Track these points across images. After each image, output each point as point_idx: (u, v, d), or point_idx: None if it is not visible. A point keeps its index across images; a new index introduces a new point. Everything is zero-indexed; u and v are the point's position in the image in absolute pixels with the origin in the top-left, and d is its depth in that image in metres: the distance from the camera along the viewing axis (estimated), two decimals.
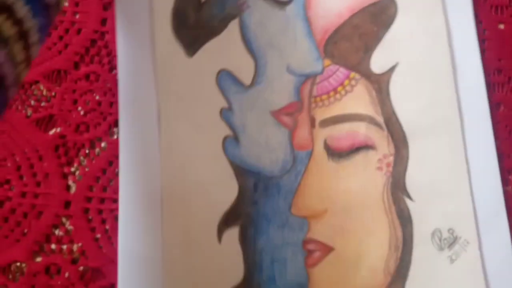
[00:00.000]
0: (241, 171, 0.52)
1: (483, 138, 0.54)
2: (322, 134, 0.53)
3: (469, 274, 0.51)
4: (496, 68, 0.57)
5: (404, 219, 0.51)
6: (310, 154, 0.52)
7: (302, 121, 0.53)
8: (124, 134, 0.53)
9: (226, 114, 0.53)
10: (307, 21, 0.55)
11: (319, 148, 0.52)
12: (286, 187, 0.52)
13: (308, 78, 0.54)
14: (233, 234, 0.51)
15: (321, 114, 0.53)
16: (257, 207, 0.52)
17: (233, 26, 0.55)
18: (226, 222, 0.51)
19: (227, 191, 0.52)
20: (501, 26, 0.58)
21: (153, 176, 0.52)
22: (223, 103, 0.53)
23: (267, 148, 0.52)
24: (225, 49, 0.54)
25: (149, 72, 0.54)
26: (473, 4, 0.57)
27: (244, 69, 0.54)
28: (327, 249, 0.50)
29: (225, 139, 0.53)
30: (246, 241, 0.51)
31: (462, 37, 0.55)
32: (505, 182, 0.54)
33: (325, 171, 0.52)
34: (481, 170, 0.53)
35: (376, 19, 0.55)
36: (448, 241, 0.51)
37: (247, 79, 0.54)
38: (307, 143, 0.52)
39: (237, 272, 0.49)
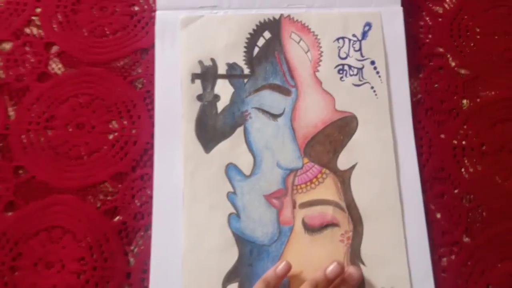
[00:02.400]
0: (241, 240, 0.65)
1: (417, 221, 0.67)
2: (301, 214, 0.66)
3: None
4: (419, 150, 0.71)
5: None
6: (291, 229, 0.66)
7: (286, 203, 0.67)
8: (158, 208, 0.67)
9: (231, 196, 0.67)
10: (293, 129, 0.69)
11: (299, 224, 0.66)
12: (273, 253, 0.65)
13: (292, 171, 0.68)
14: None
15: (300, 199, 0.67)
16: (252, 268, 0.64)
17: (239, 132, 0.69)
18: (228, 279, 0.64)
19: (230, 255, 0.65)
20: (442, 136, 0.73)
21: (179, 239, 0.65)
22: (230, 188, 0.67)
23: (260, 223, 0.66)
24: (232, 148, 0.69)
25: (179, 165, 0.68)
26: (413, 120, 0.71)
27: (245, 163, 0.68)
28: None
29: (230, 215, 0.66)
30: None
31: (404, 145, 0.70)
32: (432, 254, 0.67)
33: (302, 242, 0.66)
34: (415, 245, 0.66)
35: (342, 130, 0.69)
36: None
37: (247, 171, 0.68)
38: (290, 220, 0.66)
39: None
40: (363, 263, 0.65)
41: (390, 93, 0.72)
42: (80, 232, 0.67)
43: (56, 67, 0.74)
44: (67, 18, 0.75)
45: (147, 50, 0.74)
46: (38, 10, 0.76)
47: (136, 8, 0.76)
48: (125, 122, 0.71)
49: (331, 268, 0.63)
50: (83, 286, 0.65)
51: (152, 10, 0.75)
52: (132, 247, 0.67)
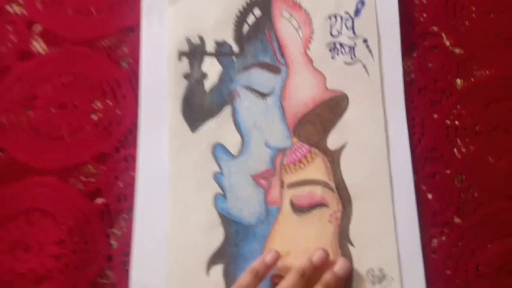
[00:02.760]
0: (227, 221, 0.66)
1: (407, 202, 0.67)
2: (289, 194, 0.67)
3: None
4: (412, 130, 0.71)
5: None
6: (279, 209, 0.66)
7: (274, 183, 0.67)
8: (142, 190, 0.67)
9: (218, 176, 0.67)
10: (282, 109, 0.69)
11: (286, 205, 0.66)
12: (260, 234, 0.65)
13: (280, 151, 0.68)
14: (218, 269, 0.65)
15: (288, 179, 0.67)
16: (237, 249, 0.65)
17: (227, 110, 0.69)
18: (213, 260, 0.65)
19: (215, 236, 0.65)
20: (435, 115, 0.73)
21: (162, 221, 0.66)
22: (216, 168, 0.67)
23: (247, 203, 0.66)
24: (220, 127, 0.69)
25: (164, 145, 0.68)
26: (405, 99, 0.71)
27: (233, 143, 0.68)
28: None
29: (216, 195, 0.66)
30: (228, 276, 0.65)
31: (396, 125, 0.70)
32: (421, 234, 0.68)
33: (290, 223, 0.66)
34: (405, 226, 0.66)
35: (333, 109, 0.69)
36: (378, 278, 0.65)
37: (235, 150, 0.68)
38: (277, 200, 0.67)
39: None
40: (351, 244, 0.66)
41: (382, 72, 0.71)
42: (60, 215, 0.66)
43: (39, 46, 0.72)
44: None
45: (133, 29, 0.72)
46: None
47: None
48: (109, 102, 0.70)
49: (317, 255, 0.64)
50: (62, 270, 0.65)
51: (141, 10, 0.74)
52: (114, 230, 0.67)
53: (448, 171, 0.71)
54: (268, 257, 0.63)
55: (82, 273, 0.65)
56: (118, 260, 0.66)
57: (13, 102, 0.70)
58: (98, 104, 0.71)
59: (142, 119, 0.69)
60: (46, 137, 0.69)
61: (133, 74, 0.71)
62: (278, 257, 0.64)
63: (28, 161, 0.68)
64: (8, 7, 0.73)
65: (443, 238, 0.69)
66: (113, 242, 0.66)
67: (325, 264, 0.63)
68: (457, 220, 0.70)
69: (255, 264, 0.63)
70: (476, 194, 0.70)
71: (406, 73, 0.74)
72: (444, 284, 0.67)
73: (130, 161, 0.68)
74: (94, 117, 0.70)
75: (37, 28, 0.73)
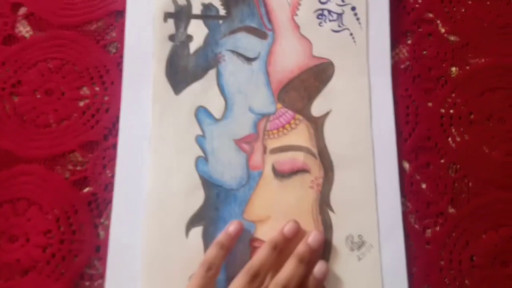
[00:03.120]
0: (208, 184, 0.78)
1: (389, 170, 0.81)
2: (271, 159, 0.79)
3: (371, 270, 0.76)
4: (405, 118, 0.85)
5: (327, 226, 0.78)
6: (261, 174, 0.78)
7: (257, 148, 0.79)
8: (122, 153, 0.79)
9: (200, 139, 0.79)
10: (267, 74, 0.82)
11: (268, 170, 0.79)
12: (241, 197, 0.77)
13: (264, 116, 0.81)
14: (197, 232, 0.76)
15: (271, 144, 0.80)
16: (217, 212, 0.77)
17: (211, 74, 0.82)
18: (192, 222, 0.76)
19: (195, 198, 0.77)
20: (429, 104, 0.87)
21: (143, 184, 0.78)
22: (199, 131, 0.80)
23: (229, 167, 0.78)
24: (203, 90, 0.81)
25: (147, 107, 0.81)
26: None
27: (216, 107, 0.81)
28: None
29: (197, 158, 0.78)
30: (207, 238, 0.76)
31: (380, 95, 0.83)
32: (403, 203, 0.81)
33: (271, 187, 0.79)
34: (385, 194, 0.80)
35: (318, 76, 0.83)
36: (357, 244, 0.77)
37: (218, 114, 0.81)
38: (259, 165, 0.79)
39: (199, 261, 0.71)
40: (332, 210, 0.79)
41: (369, 41, 0.85)
42: (47, 204, 0.76)
43: (24, 29, 0.85)
44: None
45: (122, 13, 0.84)
46: None
47: None
48: (97, 89, 0.82)
49: (288, 227, 0.77)
50: (48, 260, 0.74)
51: None
52: (102, 220, 0.77)
53: (442, 161, 0.84)
54: (231, 228, 0.75)
55: (70, 263, 0.74)
56: (106, 251, 0.74)
57: None
58: (86, 91, 0.82)
59: (125, 79, 0.82)
60: (32, 124, 0.80)
61: (121, 59, 0.82)
62: (241, 227, 0.76)
63: (14, 149, 0.79)
64: None
65: (437, 228, 0.81)
66: (101, 232, 0.76)
67: (298, 235, 0.76)
68: (451, 210, 0.82)
69: (220, 237, 0.74)
70: (470, 184, 0.84)
71: (400, 61, 0.87)
72: (439, 274, 0.78)
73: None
74: (81, 103, 0.81)
75: (22, 10, 0.85)
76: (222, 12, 0.85)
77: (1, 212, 0.76)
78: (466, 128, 0.85)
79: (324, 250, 0.77)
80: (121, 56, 0.83)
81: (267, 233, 0.76)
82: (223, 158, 0.80)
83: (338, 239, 0.78)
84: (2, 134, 0.80)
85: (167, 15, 0.84)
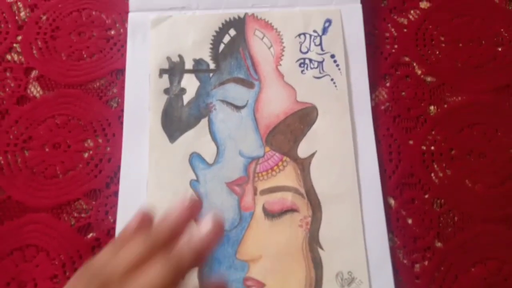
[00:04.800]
0: None
1: (374, 206, 0.77)
2: (261, 200, 0.77)
3: None
4: (388, 157, 0.83)
5: (317, 264, 0.74)
6: (252, 214, 0.76)
7: (248, 190, 0.77)
8: (123, 199, 0.78)
9: (194, 184, 0.78)
10: (255, 120, 0.81)
11: (259, 210, 0.76)
12: (233, 238, 0.74)
13: (254, 159, 0.79)
14: (193, 271, 0.67)
15: (261, 185, 0.78)
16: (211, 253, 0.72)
17: (204, 122, 0.81)
18: None
19: None
20: (411, 142, 0.85)
21: None
22: (193, 176, 0.78)
23: (222, 209, 0.76)
24: (197, 138, 0.80)
25: (145, 156, 0.80)
26: (372, 111, 0.82)
27: (209, 152, 0.79)
28: (261, 285, 0.72)
29: None
30: (202, 278, 0.72)
31: (363, 134, 0.81)
32: (390, 239, 0.77)
33: (262, 227, 0.76)
34: (372, 229, 0.75)
35: (303, 120, 0.81)
36: (347, 281, 0.74)
37: (210, 159, 0.79)
38: (250, 206, 0.77)
39: None
40: (321, 247, 0.76)
41: (350, 85, 0.84)
42: (53, 250, 0.74)
43: (35, 90, 0.85)
44: (46, 44, 0.87)
45: (122, 71, 0.84)
46: (19, 37, 0.88)
47: (112, 32, 0.89)
48: (100, 140, 0.80)
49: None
50: None
51: (127, 34, 0.87)
52: None
53: (426, 196, 0.81)
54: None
55: None
56: None
57: (11, 144, 0.80)
58: (90, 143, 0.81)
59: (125, 130, 0.80)
60: (41, 176, 0.79)
61: (122, 112, 0.81)
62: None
63: (24, 200, 0.77)
64: (7, 56, 0.87)
65: (426, 262, 0.77)
66: None
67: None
68: (438, 244, 0.79)
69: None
70: (456, 218, 0.80)
71: (380, 102, 0.86)
72: None
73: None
74: (85, 155, 0.80)
75: (34, 73, 0.86)
76: (212, 66, 0.85)
77: (11, 259, 0.74)
78: (448, 163, 0.83)
79: (315, 287, 0.74)
80: (122, 110, 0.82)
81: (259, 272, 0.74)
82: (216, 200, 0.77)
83: (328, 276, 0.74)
84: (14, 186, 0.79)
85: (162, 71, 0.85)
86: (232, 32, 0.87)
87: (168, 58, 0.85)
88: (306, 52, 0.86)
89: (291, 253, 0.76)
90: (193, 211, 0.54)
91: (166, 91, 0.84)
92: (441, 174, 0.83)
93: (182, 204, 0.54)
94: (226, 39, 0.87)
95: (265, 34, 0.87)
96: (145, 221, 0.53)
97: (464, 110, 0.86)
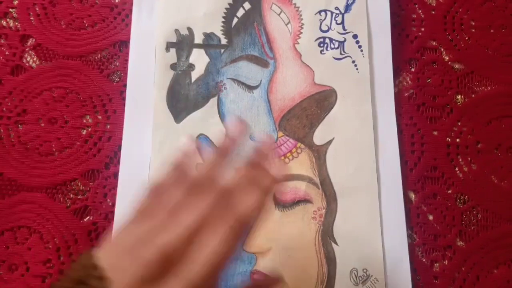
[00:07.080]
0: None
1: (394, 200, 0.75)
2: None
3: None
4: (410, 148, 0.80)
5: (330, 259, 0.72)
6: None
7: None
8: (123, 181, 0.75)
9: None
10: (268, 102, 0.78)
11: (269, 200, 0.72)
12: None
13: None
14: None
15: None
16: None
17: (213, 102, 0.78)
18: None
19: None
20: (435, 133, 0.81)
21: None
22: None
23: None
24: (204, 119, 0.77)
25: (148, 135, 0.77)
26: (394, 98, 0.79)
27: (217, 135, 0.75)
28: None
29: None
30: None
31: (385, 122, 0.78)
32: (409, 235, 0.75)
33: (272, 218, 0.73)
34: (391, 225, 0.74)
35: (320, 104, 0.78)
36: (362, 278, 0.72)
37: (218, 142, 0.72)
38: None
39: None
40: (335, 242, 0.73)
41: (372, 68, 0.80)
42: (47, 233, 0.73)
43: (31, 60, 0.82)
44: (45, 10, 0.83)
45: (126, 43, 0.82)
46: (16, 2, 0.84)
47: (117, 0, 0.85)
48: (99, 117, 0.78)
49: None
50: None
51: (133, 2, 0.83)
52: None
53: (449, 191, 0.78)
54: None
55: None
56: None
57: (4, 117, 0.78)
58: (89, 119, 0.79)
59: (127, 107, 0.78)
60: (35, 153, 0.77)
61: (124, 88, 0.79)
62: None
63: (17, 177, 0.76)
64: (2, 21, 0.84)
65: (445, 262, 0.75)
66: None
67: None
68: (460, 243, 0.76)
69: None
70: (479, 216, 0.77)
71: (404, 89, 0.83)
72: None
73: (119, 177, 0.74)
74: (84, 132, 0.78)
75: (31, 42, 0.83)
76: (223, 41, 0.82)
77: (2, 240, 0.73)
78: (474, 157, 0.80)
79: (328, 284, 0.71)
80: (124, 85, 0.80)
81: (268, 265, 0.71)
82: None
83: (342, 272, 0.72)
84: (6, 162, 0.77)
85: (169, 45, 0.81)
86: (247, 5, 0.83)
87: (176, 31, 0.82)
88: (327, 31, 0.83)
89: (303, 247, 0.73)
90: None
91: (173, 66, 0.80)
92: (466, 169, 0.80)
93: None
94: (240, 12, 0.83)
95: (283, 9, 0.83)
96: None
97: (493, 101, 0.83)
